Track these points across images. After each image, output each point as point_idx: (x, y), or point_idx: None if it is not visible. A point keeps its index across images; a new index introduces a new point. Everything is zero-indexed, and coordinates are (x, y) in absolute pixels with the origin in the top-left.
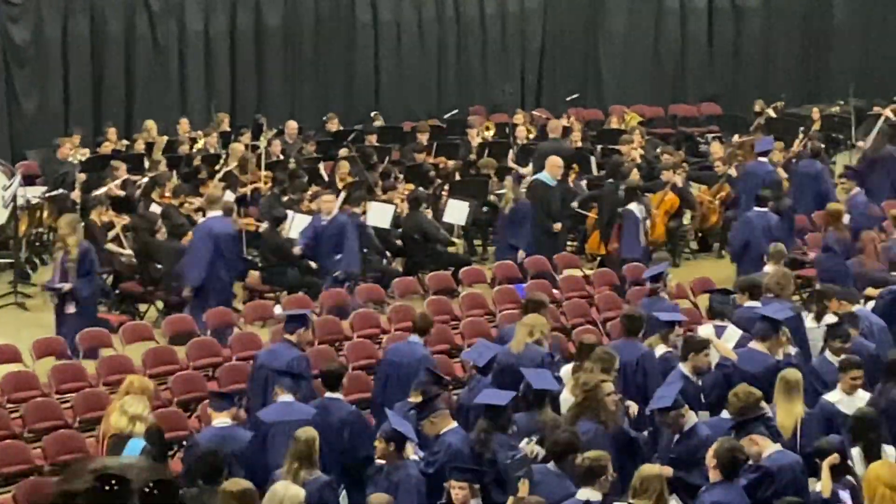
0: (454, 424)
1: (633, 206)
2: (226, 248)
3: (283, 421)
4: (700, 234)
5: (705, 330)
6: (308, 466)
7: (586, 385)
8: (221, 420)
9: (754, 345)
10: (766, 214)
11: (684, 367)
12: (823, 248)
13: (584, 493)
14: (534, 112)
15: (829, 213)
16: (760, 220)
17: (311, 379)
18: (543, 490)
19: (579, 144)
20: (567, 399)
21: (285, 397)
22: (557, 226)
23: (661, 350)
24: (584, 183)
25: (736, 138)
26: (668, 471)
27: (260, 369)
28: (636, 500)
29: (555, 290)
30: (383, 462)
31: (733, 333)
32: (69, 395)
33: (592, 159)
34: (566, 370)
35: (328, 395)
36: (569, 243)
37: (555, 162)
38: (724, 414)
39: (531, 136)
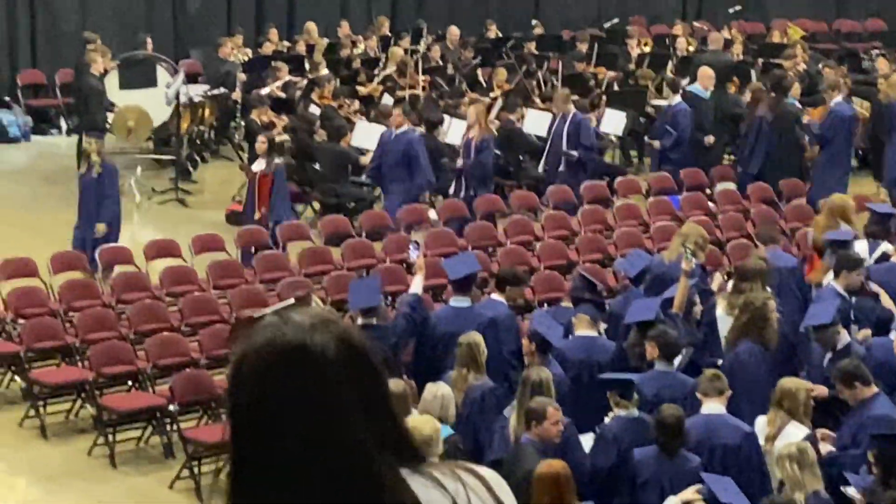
0: (591, 332)
1: None
2: None
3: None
4: (860, 152)
5: (860, 246)
6: (475, 371)
7: (752, 304)
8: (461, 299)
9: None
10: None
11: (837, 284)
12: None
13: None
14: (694, 23)
15: None
16: None
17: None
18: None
19: (740, 58)
20: (723, 317)
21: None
22: (710, 138)
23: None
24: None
25: None
26: (824, 390)
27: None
28: (776, 410)
29: (710, 203)
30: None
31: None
32: (226, 290)
33: (753, 73)
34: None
35: (494, 296)
36: (726, 156)
37: (706, 73)
38: None
39: (691, 47)
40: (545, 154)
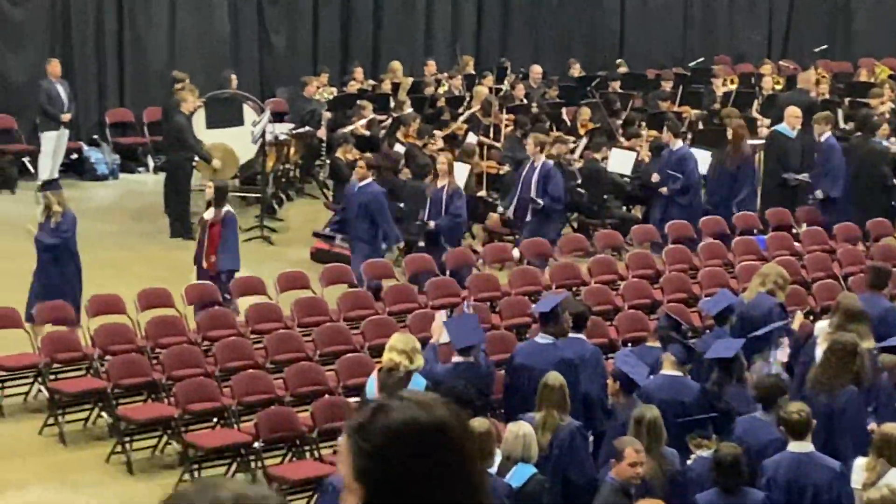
0: (676, 372)
1: None
2: None
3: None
4: None
5: None
6: (561, 411)
7: (847, 346)
8: (543, 335)
9: None
10: None
11: None
12: None
13: (796, 444)
14: (781, 62)
15: None
16: None
17: None
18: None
19: (826, 97)
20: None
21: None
22: (798, 177)
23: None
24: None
25: None
26: None
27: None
28: (876, 456)
29: (796, 244)
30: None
31: None
32: (311, 328)
33: (840, 112)
34: (821, 326)
35: (571, 335)
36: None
37: (793, 112)
38: None
39: (777, 86)
40: (514, 200)
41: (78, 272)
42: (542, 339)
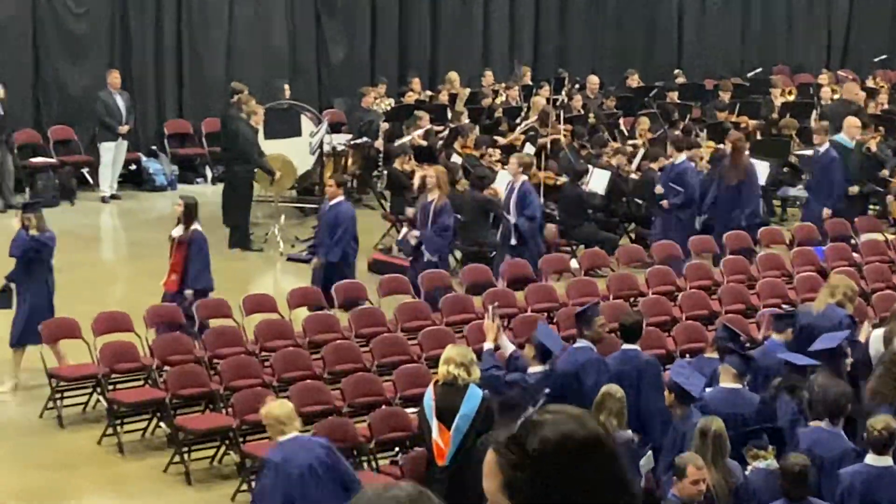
0: (735, 384)
1: None
2: None
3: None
4: None
5: None
6: (618, 424)
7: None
8: (581, 340)
9: None
10: None
11: None
12: None
13: (874, 457)
14: (839, 72)
15: None
16: None
17: None
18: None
19: (886, 107)
20: None
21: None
22: (854, 189)
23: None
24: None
25: None
26: None
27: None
28: None
29: (854, 254)
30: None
31: None
32: (368, 339)
33: None
34: (876, 335)
35: (626, 346)
36: (871, 207)
37: (853, 123)
38: None
39: (836, 96)
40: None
41: (49, 291)
42: (579, 343)
